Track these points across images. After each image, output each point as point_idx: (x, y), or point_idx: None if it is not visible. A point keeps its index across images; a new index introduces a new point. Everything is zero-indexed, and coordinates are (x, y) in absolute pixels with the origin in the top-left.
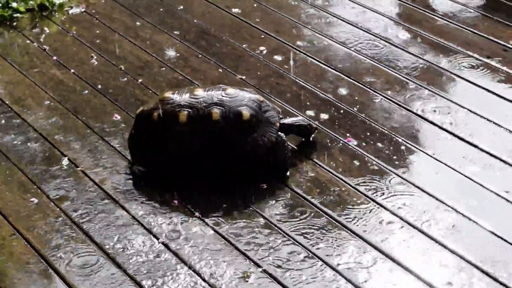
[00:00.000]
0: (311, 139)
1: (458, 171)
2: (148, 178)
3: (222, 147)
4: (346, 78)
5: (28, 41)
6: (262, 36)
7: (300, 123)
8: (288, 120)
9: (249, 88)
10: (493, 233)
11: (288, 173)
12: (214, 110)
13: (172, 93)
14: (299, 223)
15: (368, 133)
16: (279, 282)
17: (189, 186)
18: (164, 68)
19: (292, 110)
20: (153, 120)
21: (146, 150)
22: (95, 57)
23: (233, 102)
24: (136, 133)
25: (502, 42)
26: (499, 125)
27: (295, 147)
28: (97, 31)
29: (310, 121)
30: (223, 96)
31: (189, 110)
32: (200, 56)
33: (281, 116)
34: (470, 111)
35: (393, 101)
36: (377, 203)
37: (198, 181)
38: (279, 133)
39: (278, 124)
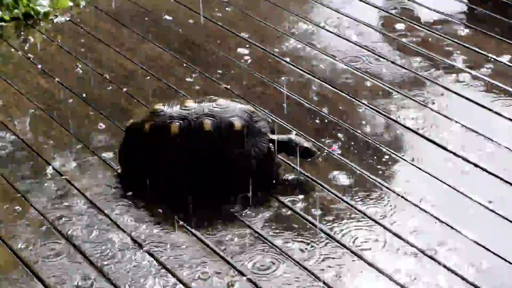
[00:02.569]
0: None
1: (441, 180)
2: (134, 187)
3: (214, 157)
4: (330, 87)
5: (12, 50)
6: (247, 45)
7: (287, 140)
8: (276, 136)
9: (235, 98)
10: (476, 242)
11: (273, 182)
12: (205, 121)
13: (163, 105)
14: (283, 232)
15: (352, 142)
16: None
17: (174, 194)
18: (149, 77)
19: (278, 119)
20: (145, 132)
21: (137, 162)
22: (80, 66)
23: (224, 113)
24: (126, 145)
25: (485, 53)
26: (482, 135)
27: (279, 156)
28: (82, 40)
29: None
30: (214, 107)
31: (180, 121)
32: (185, 65)
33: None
34: (454, 120)
35: (376, 111)
36: (361, 212)
37: (183, 189)
38: (270, 144)
39: (269, 135)
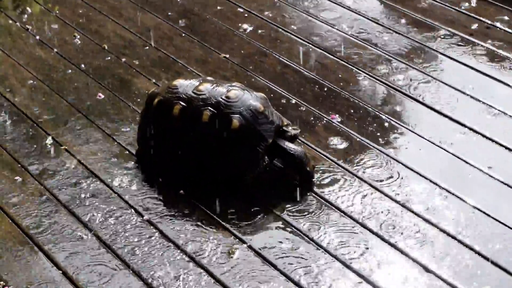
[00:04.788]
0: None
1: (441, 147)
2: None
3: (205, 149)
4: (330, 56)
5: (11, 21)
6: (246, 15)
7: (293, 153)
8: (282, 143)
9: (234, 67)
10: (476, 208)
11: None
12: (206, 111)
13: (181, 82)
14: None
15: (352, 110)
16: (264, 258)
17: (175, 167)
18: (147, 47)
19: (277, 88)
20: (153, 105)
21: (143, 131)
22: (78, 37)
23: (229, 108)
24: (142, 111)
25: (485, 20)
26: (482, 102)
27: None
28: (80, 11)
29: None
30: (222, 98)
31: (185, 105)
32: (183, 35)
33: (289, 131)
34: (453, 88)
35: (376, 79)
36: (361, 179)
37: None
38: (265, 156)
39: (270, 141)
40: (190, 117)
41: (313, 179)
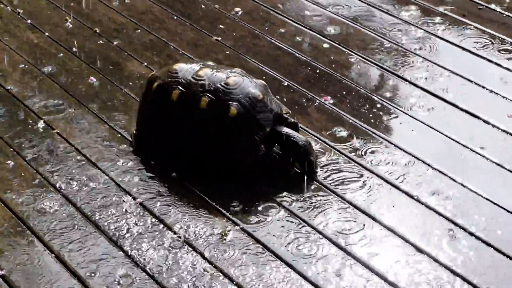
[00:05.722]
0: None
1: (433, 128)
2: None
3: (201, 136)
4: (322, 38)
5: (1, 5)
6: None
7: (297, 141)
8: (286, 130)
9: (226, 50)
10: (463, 185)
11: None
12: (204, 98)
13: (181, 66)
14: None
15: (344, 92)
16: (256, 239)
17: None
18: (139, 30)
19: (269, 70)
20: (153, 89)
21: (142, 114)
22: (70, 20)
23: (227, 95)
24: (142, 95)
25: (477, 1)
26: (474, 82)
27: None
28: None
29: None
30: (221, 85)
31: (183, 90)
32: (175, 18)
33: (291, 119)
34: (445, 68)
35: (368, 60)
36: (354, 161)
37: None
38: (262, 145)
39: (268, 130)
40: (188, 102)
41: (316, 169)
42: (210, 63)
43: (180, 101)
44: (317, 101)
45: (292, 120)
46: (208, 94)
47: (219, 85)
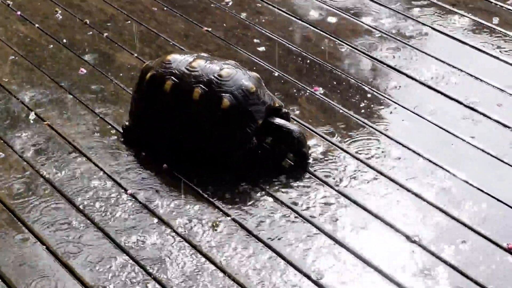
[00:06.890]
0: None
1: (423, 118)
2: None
3: (194, 128)
4: (312, 28)
5: None
6: None
7: (291, 131)
8: (279, 121)
9: (216, 40)
10: (453, 174)
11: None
12: (197, 89)
13: (175, 56)
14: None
15: (335, 82)
16: (247, 230)
17: (160, 142)
18: (129, 22)
19: (260, 61)
20: (146, 80)
21: (135, 104)
22: (60, 12)
23: (220, 87)
24: (135, 85)
25: None
26: (465, 72)
27: None
28: None
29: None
30: (214, 76)
31: (177, 81)
32: (165, 8)
33: (283, 109)
34: (437, 58)
35: (359, 50)
36: (345, 151)
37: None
38: (253, 138)
39: (260, 122)
40: (181, 93)
41: (309, 160)
42: (204, 54)
43: (173, 92)
44: (308, 91)
45: (285, 110)
46: (201, 85)
47: (212, 77)
